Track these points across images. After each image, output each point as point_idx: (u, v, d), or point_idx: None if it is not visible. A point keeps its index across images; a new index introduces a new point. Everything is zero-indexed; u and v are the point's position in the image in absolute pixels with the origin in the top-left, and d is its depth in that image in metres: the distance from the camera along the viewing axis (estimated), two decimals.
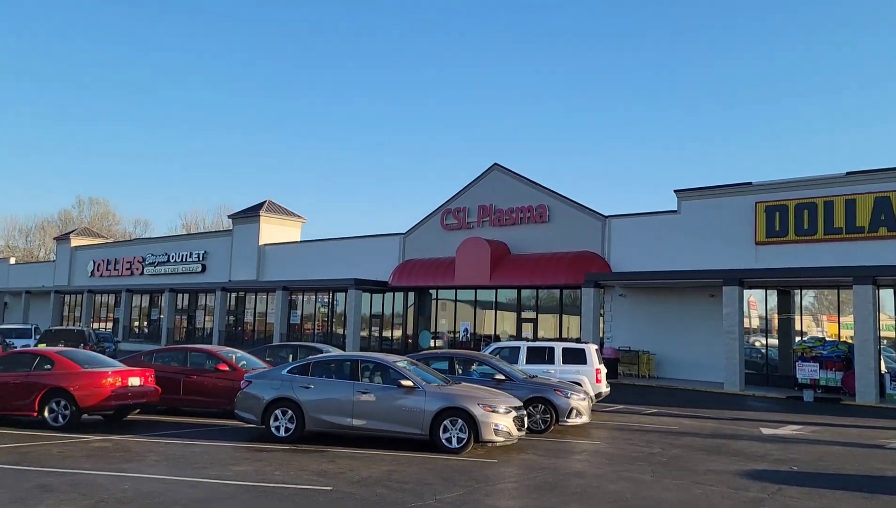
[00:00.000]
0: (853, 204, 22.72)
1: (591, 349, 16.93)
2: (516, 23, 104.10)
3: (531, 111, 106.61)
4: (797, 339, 23.88)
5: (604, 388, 16.74)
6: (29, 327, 33.55)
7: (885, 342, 22.22)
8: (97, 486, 8.09)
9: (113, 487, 8.07)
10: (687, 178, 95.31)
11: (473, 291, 32.09)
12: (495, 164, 32.50)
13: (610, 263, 28.14)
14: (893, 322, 22.79)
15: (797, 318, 24.77)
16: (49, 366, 12.84)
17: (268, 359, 17.21)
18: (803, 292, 24.83)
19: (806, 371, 21.14)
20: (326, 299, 37.79)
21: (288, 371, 12.06)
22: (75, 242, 54.11)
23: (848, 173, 23.14)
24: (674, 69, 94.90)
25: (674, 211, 27.00)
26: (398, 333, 35.25)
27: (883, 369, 21.19)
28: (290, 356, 18.25)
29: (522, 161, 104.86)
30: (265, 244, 41.93)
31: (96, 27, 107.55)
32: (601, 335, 27.55)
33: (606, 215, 28.87)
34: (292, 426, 11.52)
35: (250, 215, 42.76)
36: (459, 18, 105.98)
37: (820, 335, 23.71)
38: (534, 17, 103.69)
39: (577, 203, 29.68)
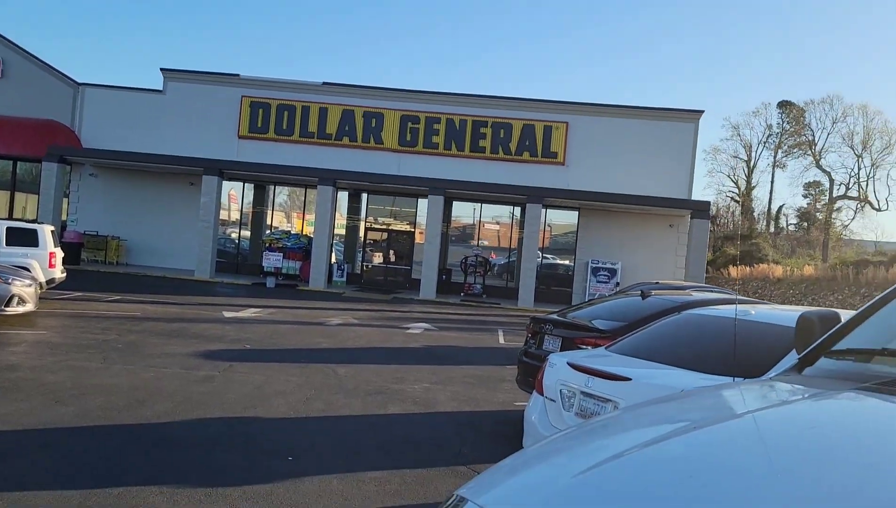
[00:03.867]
0: (325, 112, 25.10)
1: (46, 230, 14.80)
2: None
3: None
4: (267, 232, 25.66)
5: (58, 274, 14.90)
6: None
7: (338, 237, 25.70)
8: None
9: None
10: (178, 59, 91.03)
11: None
12: None
13: (81, 137, 24.93)
14: (345, 221, 26.51)
15: (270, 212, 26.57)
16: None
17: None
18: (277, 188, 26.66)
19: (271, 260, 22.98)
20: None
21: None
22: None
23: (324, 83, 25.35)
24: None
25: (159, 91, 25.33)
26: None
27: (333, 260, 24.57)
28: None
29: None
30: None
31: None
32: (64, 217, 24.51)
33: (80, 81, 25.30)
34: None
35: None
36: None
37: (288, 229, 26.00)
38: None
39: (42, 61, 25.12)
